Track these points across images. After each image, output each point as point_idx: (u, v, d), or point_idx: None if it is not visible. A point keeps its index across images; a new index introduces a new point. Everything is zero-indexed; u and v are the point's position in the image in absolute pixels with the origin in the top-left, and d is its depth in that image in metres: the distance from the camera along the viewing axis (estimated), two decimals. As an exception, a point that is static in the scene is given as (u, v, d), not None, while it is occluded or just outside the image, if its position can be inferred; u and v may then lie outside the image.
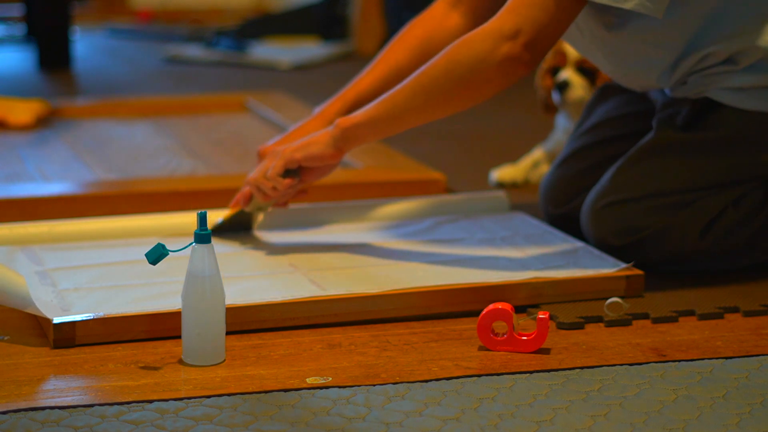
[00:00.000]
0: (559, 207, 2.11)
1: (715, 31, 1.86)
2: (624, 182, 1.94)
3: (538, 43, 1.76)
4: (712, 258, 1.94)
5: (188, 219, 2.00)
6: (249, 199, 1.95)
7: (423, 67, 1.81)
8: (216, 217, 2.00)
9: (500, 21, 1.77)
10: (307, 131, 1.97)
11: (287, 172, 1.88)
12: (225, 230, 1.99)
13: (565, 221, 2.10)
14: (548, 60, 2.47)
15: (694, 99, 1.93)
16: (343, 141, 1.85)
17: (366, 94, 2.00)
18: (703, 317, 1.77)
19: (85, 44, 4.80)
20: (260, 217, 2.01)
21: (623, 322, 1.74)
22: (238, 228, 2.00)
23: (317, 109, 2.03)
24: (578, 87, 2.41)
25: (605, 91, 2.16)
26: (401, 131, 1.85)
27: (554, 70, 2.46)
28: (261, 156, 1.98)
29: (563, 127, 2.52)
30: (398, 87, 1.83)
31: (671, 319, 1.76)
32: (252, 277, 1.80)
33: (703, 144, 1.92)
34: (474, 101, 1.82)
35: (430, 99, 1.80)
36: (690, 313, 1.78)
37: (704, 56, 1.88)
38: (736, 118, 1.90)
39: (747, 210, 1.92)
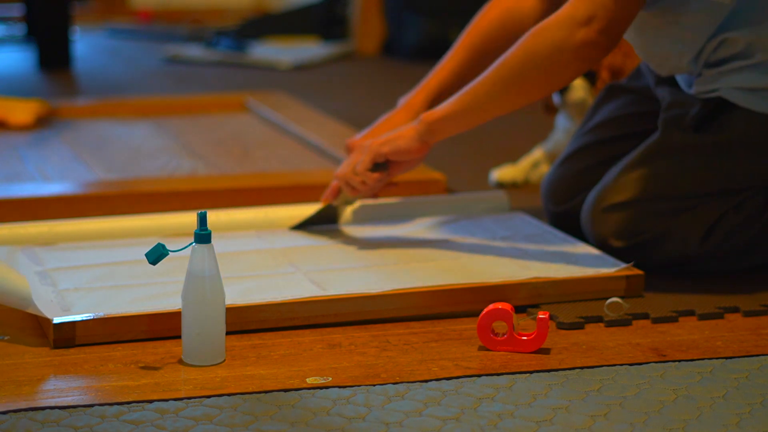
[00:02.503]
0: (560, 204, 2.11)
1: (741, 17, 1.86)
2: (628, 184, 1.93)
3: (613, 27, 1.79)
4: (712, 260, 1.94)
5: (188, 219, 2.00)
6: (337, 193, 1.99)
7: (501, 58, 1.84)
8: (215, 216, 2.00)
9: (573, 7, 1.79)
10: (394, 123, 2.03)
11: (375, 166, 1.92)
12: (312, 224, 2.03)
13: (565, 219, 2.10)
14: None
15: (705, 99, 1.92)
16: (428, 135, 1.89)
17: (448, 80, 2.06)
18: (703, 317, 1.77)
19: (85, 44, 4.80)
20: (347, 211, 2.06)
21: (623, 322, 1.74)
22: (324, 222, 2.04)
23: (402, 101, 2.08)
24: (578, 88, 2.41)
25: (611, 91, 2.16)
26: (484, 122, 1.89)
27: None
28: (349, 149, 2.03)
29: (563, 127, 2.52)
30: (479, 79, 1.86)
31: (671, 319, 1.76)
32: (252, 277, 1.80)
33: (709, 148, 1.92)
34: (554, 88, 1.86)
35: (510, 89, 1.83)
36: (690, 313, 1.78)
37: (722, 41, 1.87)
38: (746, 122, 1.90)
39: (747, 214, 1.92)
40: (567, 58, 1.80)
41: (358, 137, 2.04)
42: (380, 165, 1.93)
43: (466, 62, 2.06)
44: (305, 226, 2.04)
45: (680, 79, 2.00)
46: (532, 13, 2.06)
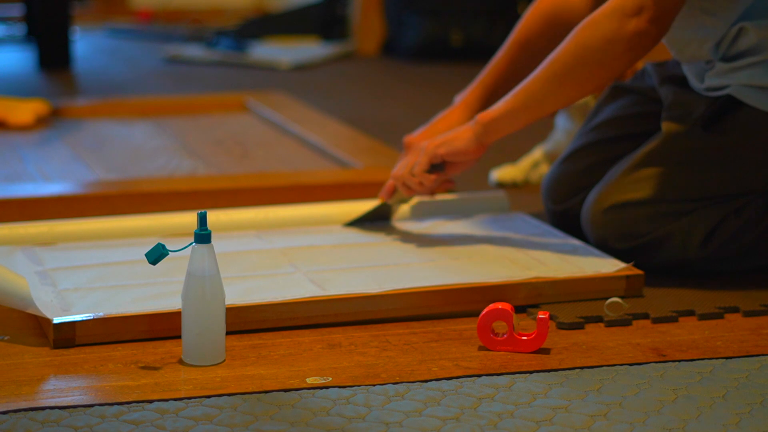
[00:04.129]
0: (559, 203, 2.11)
1: (762, 7, 1.86)
2: (630, 185, 1.93)
3: (663, 16, 1.80)
4: (712, 263, 1.94)
5: (188, 219, 2.00)
6: (393, 192, 2.01)
7: (553, 54, 1.85)
8: (215, 216, 2.00)
9: None
10: (450, 120, 2.05)
11: (432, 167, 1.94)
12: (366, 221, 2.07)
13: (565, 218, 2.10)
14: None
15: (713, 98, 1.92)
16: (485, 135, 1.91)
17: (501, 76, 2.07)
18: (703, 317, 1.77)
19: (85, 44, 4.80)
20: (400, 209, 2.09)
21: (623, 322, 1.74)
22: (378, 219, 2.07)
23: (458, 98, 2.09)
24: None
25: (615, 91, 2.16)
26: (539, 118, 1.90)
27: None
28: (406, 146, 2.05)
29: (563, 128, 2.52)
30: (532, 76, 1.87)
31: (671, 319, 1.76)
32: (252, 277, 1.80)
33: (713, 150, 1.92)
34: (608, 80, 1.86)
35: (564, 84, 1.85)
36: (690, 313, 1.78)
37: (740, 29, 1.88)
38: (753, 123, 1.90)
39: (748, 218, 1.91)
40: (619, 49, 1.81)
41: (414, 135, 2.07)
42: (437, 166, 1.95)
43: (518, 57, 2.08)
44: (359, 222, 2.07)
45: (691, 74, 1.99)
46: (580, 6, 2.07)
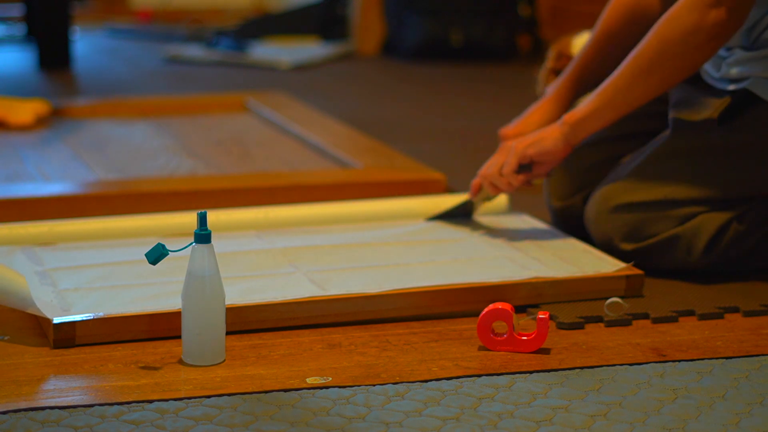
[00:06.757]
0: (562, 200, 2.11)
1: None
2: (638, 185, 1.93)
3: (741, 5, 1.82)
4: (714, 266, 1.93)
5: (188, 219, 2.00)
6: (479, 190, 2.04)
7: (636, 49, 1.88)
8: (215, 216, 2.00)
9: None
10: (544, 111, 2.10)
11: (520, 168, 1.97)
12: (450, 216, 2.11)
13: (568, 215, 2.10)
14: (553, 62, 2.47)
15: (727, 95, 1.92)
16: (572, 135, 1.94)
17: (589, 66, 2.12)
18: (703, 317, 1.77)
19: (85, 44, 4.80)
20: (483, 205, 2.13)
21: (623, 322, 1.74)
22: (461, 215, 2.11)
23: (550, 89, 2.13)
24: None
25: None
26: (625, 114, 1.93)
27: (559, 72, 2.45)
28: (502, 137, 2.10)
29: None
30: (616, 73, 1.90)
31: (671, 319, 1.76)
32: (252, 277, 1.80)
33: (722, 150, 1.91)
34: (690, 70, 1.88)
35: (649, 79, 1.87)
36: (690, 313, 1.78)
37: (764, 14, 1.89)
38: (765, 121, 1.89)
39: (750, 223, 1.91)
40: (701, 40, 1.83)
41: (510, 127, 2.12)
42: (525, 166, 1.97)
43: (604, 48, 2.11)
44: (444, 218, 2.11)
45: (707, 63, 1.99)
46: None
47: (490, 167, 2.00)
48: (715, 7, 1.81)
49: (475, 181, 2.04)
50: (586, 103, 1.93)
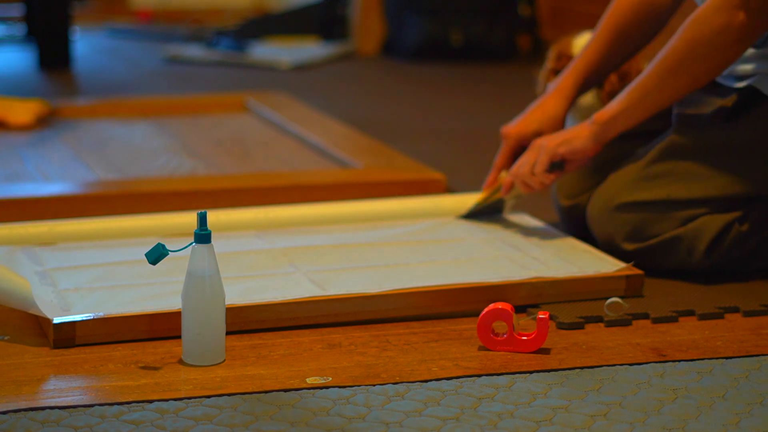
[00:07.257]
0: (570, 199, 2.11)
1: None
2: (642, 183, 1.93)
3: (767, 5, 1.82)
4: (715, 267, 1.93)
5: (188, 219, 2.00)
6: (510, 188, 2.05)
7: (664, 50, 1.89)
8: (215, 216, 2.00)
9: None
10: (546, 107, 2.08)
11: (552, 166, 1.98)
12: (480, 214, 2.12)
13: (576, 214, 2.10)
14: (553, 62, 2.46)
15: (731, 93, 1.92)
16: (602, 134, 1.95)
17: (594, 62, 2.10)
18: (703, 317, 1.77)
19: (85, 44, 4.80)
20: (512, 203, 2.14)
21: (623, 322, 1.74)
22: (491, 212, 2.12)
23: (552, 86, 2.12)
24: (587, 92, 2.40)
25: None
26: (654, 113, 1.93)
27: (559, 73, 2.45)
28: (505, 136, 2.09)
29: (569, 127, 2.51)
30: (645, 73, 1.90)
31: (671, 319, 1.76)
32: (252, 277, 1.80)
33: (724, 149, 1.91)
34: (719, 71, 1.89)
35: (678, 79, 1.88)
36: (690, 313, 1.78)
37: None
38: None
39: (752, 224, 1.91)
40: (729, 40, 1.84)
41: (511, 124, 2.10)
42: (556, 164, 1.98)
43: (609, 43, 2.10)
44: (474, 215, 2.12)
45: None
46: None
47: (521, 166, 2.00)
48: (742, 9, 1.82)
49: (507, 180, 2.05)
50: (616, 102, 1.93)
